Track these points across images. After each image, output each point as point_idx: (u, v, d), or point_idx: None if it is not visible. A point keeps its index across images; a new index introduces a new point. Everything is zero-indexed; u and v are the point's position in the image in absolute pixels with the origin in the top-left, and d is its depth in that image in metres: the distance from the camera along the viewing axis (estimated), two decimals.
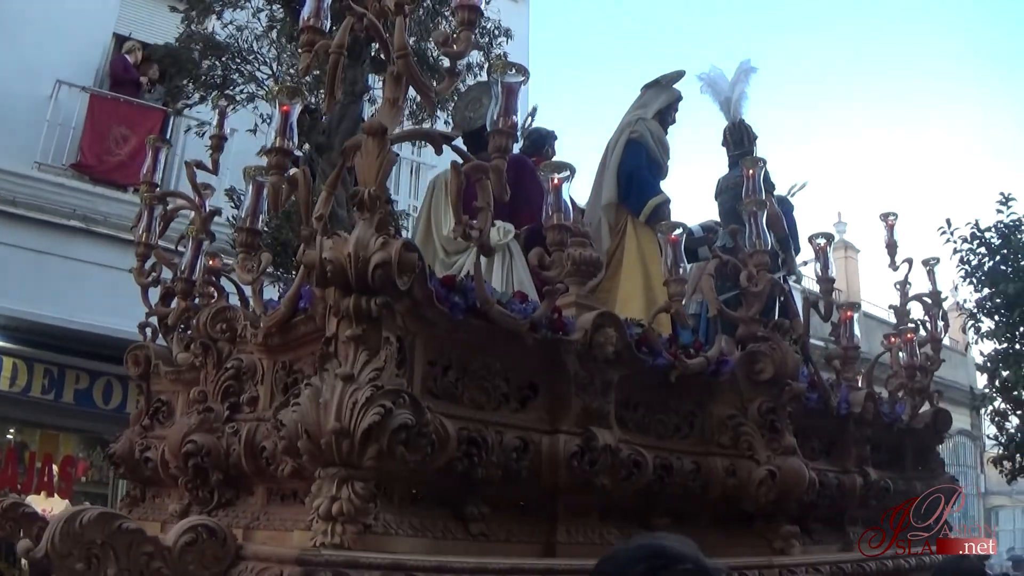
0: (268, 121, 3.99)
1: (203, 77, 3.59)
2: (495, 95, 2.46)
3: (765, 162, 3.47)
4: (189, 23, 3.90)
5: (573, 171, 2.67)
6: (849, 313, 3.76)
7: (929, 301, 4.36)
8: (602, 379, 2.77)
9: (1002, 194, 9.95)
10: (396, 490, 2.32)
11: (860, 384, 4.14)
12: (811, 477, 3.25)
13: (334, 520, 2.08)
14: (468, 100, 3.88)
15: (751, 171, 3.41)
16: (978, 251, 9.96)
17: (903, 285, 4.40)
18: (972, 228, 10.05)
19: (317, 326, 2.51)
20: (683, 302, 3.20)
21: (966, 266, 10.04)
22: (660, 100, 4.56)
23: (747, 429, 3.19)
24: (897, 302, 4.46)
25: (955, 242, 10.10)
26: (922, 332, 4.35)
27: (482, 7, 2.62)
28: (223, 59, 3.56)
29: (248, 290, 3.01)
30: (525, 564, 2.39)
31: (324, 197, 2.54)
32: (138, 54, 10.04)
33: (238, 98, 3.88)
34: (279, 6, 3.71)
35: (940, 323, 4.37)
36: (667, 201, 4.33)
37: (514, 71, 2.47)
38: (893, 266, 4.36)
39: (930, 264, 4.37)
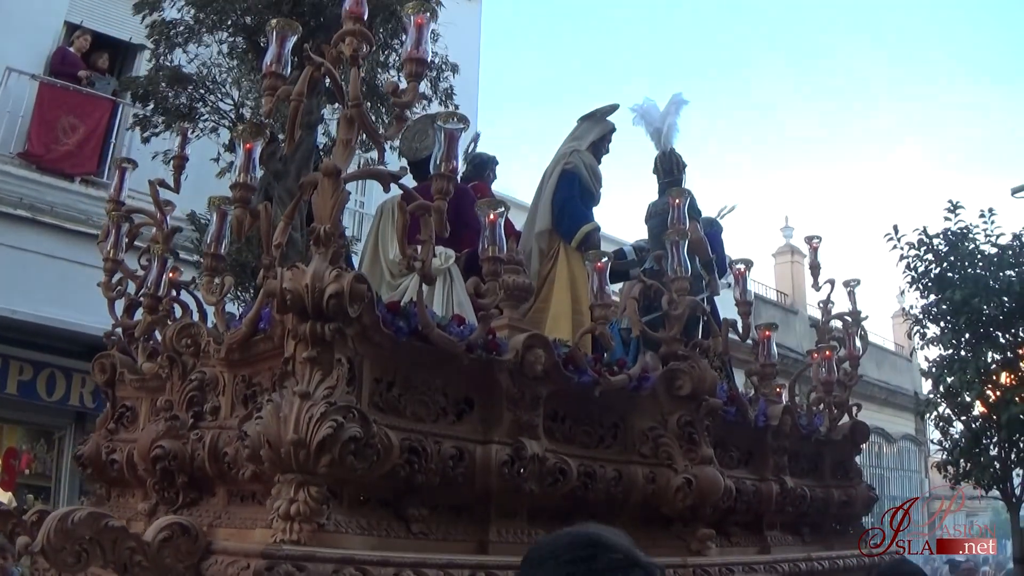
0: (228, 148, 4.39)
1: (170, 108, 3.95)
2: (438, 141, 2.91)
3: (690, 193, 3.98)
4: (157, 57, 4.26)
5: (507, 207, 3.13)
6: (767, 333, 4.28)
7: (849, 320, 4.90)
8: (532, 394, 3.24)
9: (950, 202, 10.50)
10: (346, 493, 2.77)
11: (785, 395, 4.68)
12: (727, 485, 3.76)
13: (292, 520, 2.52)
14: (414, 131, 4.32)
15: (676, 201, 3.90)
16: (925, 257, 10.52)
17: (825, 304, 4.94)
18: (920, 235, 10.60)
19: (275, 345, 2.95)
20: (613, 320, 3.70)
21: (912, 272, 10.61)
22: (594, 132, 5.06)
23: (666, 440, 3.69)
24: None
25: (902, 248, 10.65)
26: (841, 350, 4.89)
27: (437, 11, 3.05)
28: (188, 90, 3.92)
29: (207, 306, 3.43)
30: (459, 560, 2.85)
31: (281, 227, 2.99)
32: (84, 42, 10.28)
33: (201, 126, 4.26)
34: (241, 39, 4.09)
35: (858, 342, 4.90)
36: (597, 228, 4.85)
37: (456, 120, 2.92)
38: (816, 286, 4.90)
39: (850, 286, 4.91)
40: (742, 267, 4.16)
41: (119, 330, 3.95)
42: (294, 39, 3.04)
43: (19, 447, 9.88)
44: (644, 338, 3.76)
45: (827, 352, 4.62)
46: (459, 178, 4.49)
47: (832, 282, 4.89)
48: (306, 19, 4.02)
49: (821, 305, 4.98)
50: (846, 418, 4.93)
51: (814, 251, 4.90)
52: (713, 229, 5.44)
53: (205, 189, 4.13)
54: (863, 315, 4.87)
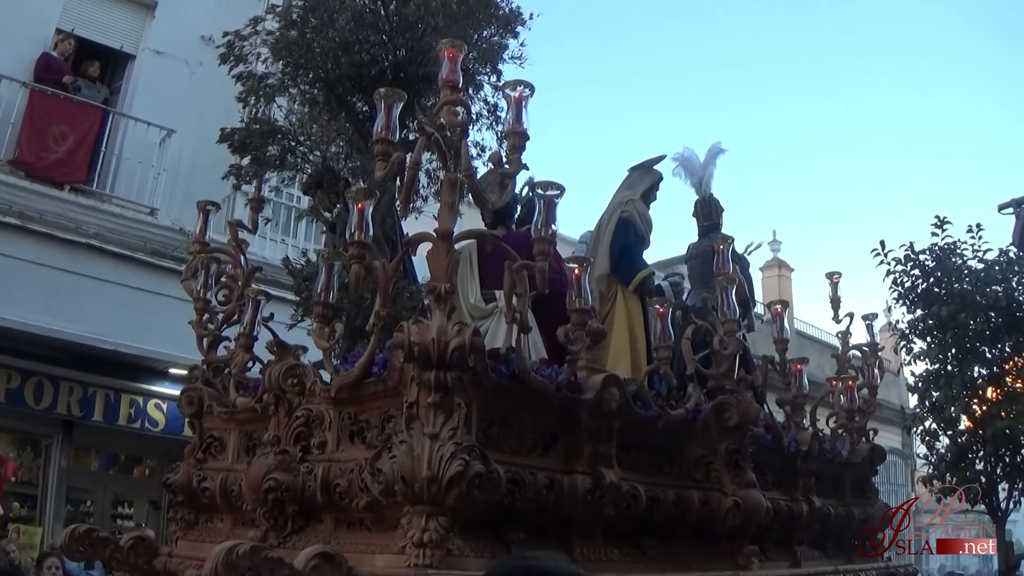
0: (304, 192, 4.83)
1: (261, 157, 4.36)
2: (538, 207, 3.43)
3: (733, 239, 4.53)
4: (252, 111, 4.67)
5: (590, 262, 3.66)
6: (799, 366, 4.86)
7: (867, 351, 5.51)
8: (607, 428, 3.78)
9: (937, 217, 11.17)
10: (460, 521, 3.27)
11: (806, 421, 5.26)
12: (768, 506, 4.33)
13: (425, 546, 3.03)
14: (485, 185, 4.81)
15: (721, 247, 4.46)
16: (912, 273, 11.17)
17: (844, 336, 5.55)
18: (906, 251, 11.24)
19: (387, 388, 3.45)
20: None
21: (899, 288, 11.26)
22: (645, 181, 5.67)
23: (716, 467, 4.27)
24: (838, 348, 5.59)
25: (889, 264, 11.29)
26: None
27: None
28: (279, 140, 4.34)
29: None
30: None
31: (384, 284, 3.45)
32: (67, 46, 10.53)
33: (286, 176, 4.71)
34: (317, 89, 4.52)
35: (876, 371, 5.51)
36: (652, 273, 5.45)
37: (553, 188, 3.44)
38: (836, 319, 5.50)
39: (868, 319, 5.52)
40: (779, 307, 4.75)
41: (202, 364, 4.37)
42: (400, 106, 3.52)
43: (6, 455, 10.14)
44: (697, 373, 4.31)
45: (849, 382, 5.22)
46: (514, 222, 5.06)
47: (851, 315, 5.50)
48: (387, 73, 4.48)
49: (840, 336, 5.58)
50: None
51: (834, 286, 5.49)
52: (740, 265, 6.02)
53: None
54: (880, 346, 5.48)
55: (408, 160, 3.37)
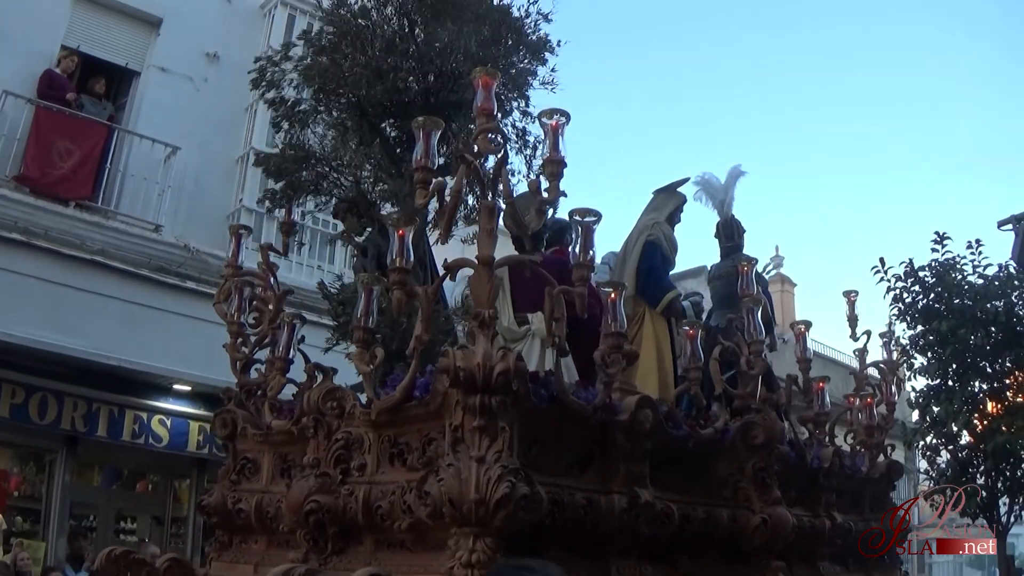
0: (335, 216, 4.93)
1: (295, 182, 4.43)
2: (576, 234, 3.52)
3: (757, 260, 4.63)
4: (289, 137, 4.74)
5: (624, 286, 3.75)
6: (821, 384, 4.96)
7: (884, 368, 5.62)
8: (641, 448, 3.86)
9: (937, 233, 11.21)
10: (504, 542, 3.34)
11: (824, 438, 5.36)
12: (794, 522, 4.41)
13: (472, 567, 3.10)
14: (518, 207, 4.90)
15: (746, 268, 4.56)
16: (912, 289, 11.25)
17: (862, 353, 5.65)
18: (906, 267, 11.31)
19: (428, 411, 3.52)
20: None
21: (900, 304, 11.34)
22: (670, 204, 5.80)
23: (744, 485, 4.35)
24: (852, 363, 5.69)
25: (889, 280, 11.37)
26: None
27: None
28: (313, 166, 4.41)
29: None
30: None
31: (424, 325, 3.51)
32: (71, 63, 10.59)
33: (320, 201, 4.79)
34: (346, 115, 4.60)
35: (893, 388, 5.61)
36: (679, 295, 5.56)
37: (591, 215, 3.53)
38: (854, 337, 5.60)
39: (885, 337, 5.62)
40: (802, 327, 4.85)
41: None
42: (439, 133, 3.61)
43: (10, 469, 10.23)
44: (725, 393, 4.40)
45: (868, 399, 5.32)
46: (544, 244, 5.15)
47: (869, 332, 5.61)
48: (417, 99, 4.57)
49: (857, 354, 5.68)
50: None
51: (851, 304, 5.60)
52: (760, 284, 6.12)
53: None
54: (901, 361, 5.59)
55: (449, 187, 3.45)
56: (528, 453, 3.51)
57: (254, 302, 4.54)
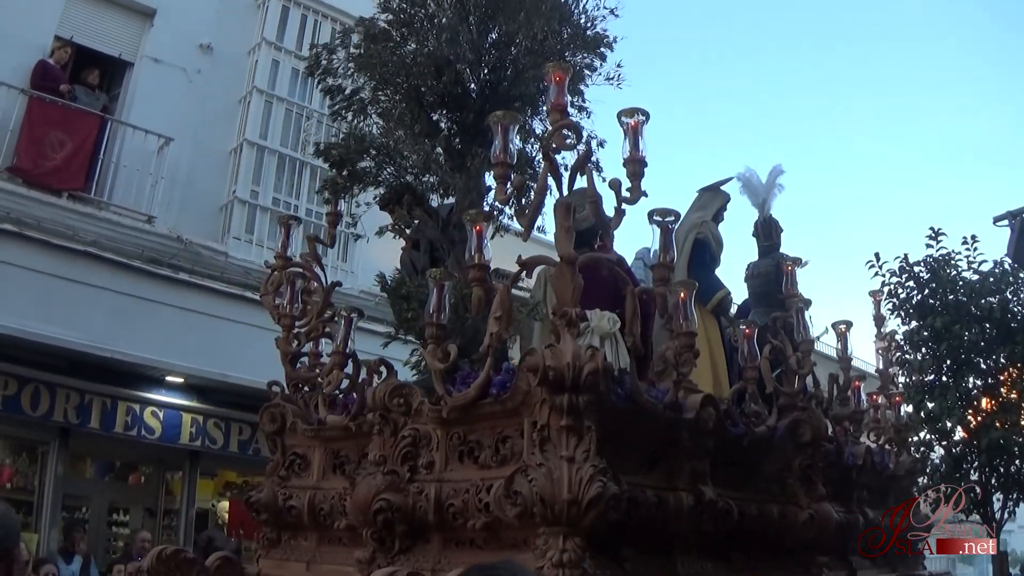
0: (382, 207, 4.95)
1: (356, 172, 4.41)
2: (654, 234, 3.57)
3: (801, 260, 4.73)
4: (351, 126, 4.72)
5: (695, 285, 3.81)
6: (857, 383, 5.08)
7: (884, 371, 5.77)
8: (704, 446, 3.93)
9: (932, 229, 11.35)
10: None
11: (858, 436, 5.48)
12: (837, 518, 4.53)
13: (564, 566, 3.14)
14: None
15: (790, 268, 4.66)
16: (907, 284, 11.37)
17: (885, 352, 5.78)
18: (901, 262, 11.43)
19: (503, 409, 3.56)
20: None
21: (894, 299, 11.49)
22: (716, 203, 5.89)
23: (792, 481, 4.45)
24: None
25: (883, 276, 11.49)
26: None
27: None
28: (374, 156, 4.39)
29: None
30: None
31: (504, 322, 3.54)
32: (64, 54, 10.48)
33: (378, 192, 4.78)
34: (405, 106, 4.58)
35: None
36: (729, 293, 5.64)
37: (670, 215, 3.58)
38: (880, 336, 5.74)
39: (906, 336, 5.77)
40: (843, 327, 4.96)
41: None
42: (516, 129, 3.63)
43: (1, 461, 10.25)
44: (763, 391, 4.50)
45: (896, 398, 5.46)
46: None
47: (893, 332, 5.75)
48: (475, 91, 4.59)
49: (881, 353, 5.81)
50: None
51: (877, 304, 5.74)
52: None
53: None
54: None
55: (536, 184, 3.49)
56: (603, 451, 3.57)
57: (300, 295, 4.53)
